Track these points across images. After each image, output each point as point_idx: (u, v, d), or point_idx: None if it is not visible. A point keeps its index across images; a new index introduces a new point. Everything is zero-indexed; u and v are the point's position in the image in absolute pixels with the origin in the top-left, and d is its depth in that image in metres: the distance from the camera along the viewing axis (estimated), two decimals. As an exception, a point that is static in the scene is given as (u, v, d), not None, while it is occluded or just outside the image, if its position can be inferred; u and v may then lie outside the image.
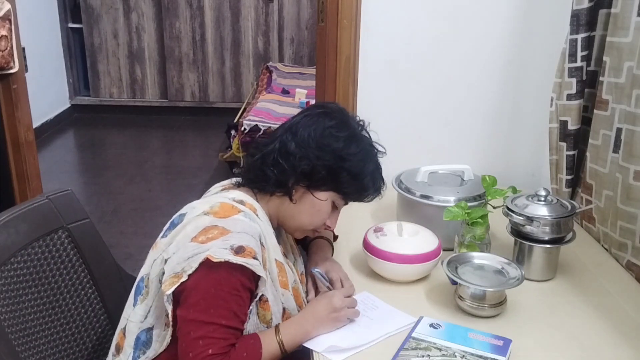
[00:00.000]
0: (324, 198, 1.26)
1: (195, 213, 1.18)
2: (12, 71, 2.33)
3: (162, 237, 1.23)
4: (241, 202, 1.22)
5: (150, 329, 1.20)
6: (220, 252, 1.10)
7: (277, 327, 1.20)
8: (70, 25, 5.53)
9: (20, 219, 1.26)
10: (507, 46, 1.99)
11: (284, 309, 1.25)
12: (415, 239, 1.46)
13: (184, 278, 1.10)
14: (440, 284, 1.42)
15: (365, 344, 1.21)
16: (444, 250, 1.46)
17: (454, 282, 1.32)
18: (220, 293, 1.11)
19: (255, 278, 1.15)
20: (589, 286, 1.45)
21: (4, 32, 2.24)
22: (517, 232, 1.47)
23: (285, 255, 1.33)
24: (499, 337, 1.21)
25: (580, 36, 1.63)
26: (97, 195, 3.96)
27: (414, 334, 1.22)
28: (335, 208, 1.30)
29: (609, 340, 1.24)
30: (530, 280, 1.44)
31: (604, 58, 1.55)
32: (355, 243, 1.52)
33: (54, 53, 5.33)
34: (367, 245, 1.45)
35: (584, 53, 1.64)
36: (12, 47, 2.29)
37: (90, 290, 1.39)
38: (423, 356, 1.15)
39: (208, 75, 5.55)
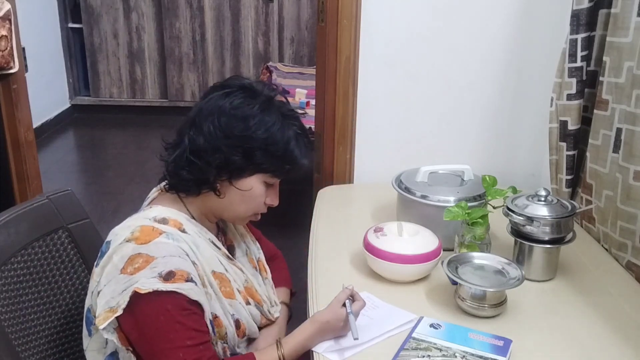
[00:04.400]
0: (248, 186, 1.19)
1: (118, 241, 1.13)
2: (12, 71, 2.33)
3: (96, 266, 1.17)
4: (163, 221, 1.15)
5: (115, 353, 1.17)
6: (148, 282, 1.06)
7: (279, 342, 1.19)
8: (70, 25, 5.53)
9: (20, 219, 1.26)
10: (507, 46, 1.99)
11: (237, 320, 1.22)
12: (415, 239, 1.46)
13: (119, 312, 1.07)
14: (440, 284, 1.42)
15: (366, 342, 1.21)
16: (444, 250, 1.46)
17: (454, 282, 1.32)
18: (171, 318, 1.07)
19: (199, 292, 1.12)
20: (589, 286, 1.45)
21: (4, 32, 2.24)
22: (517, 232, 1.47)
23: (228, 256, 1.27)
24: (499, 337, 1.21)
25: (580, 36, 1.63)
26: (97, 195, 3.97)
27: (414, 334, 1.22)
28: (269, 185, 1.23)
29: (609, 340, 1.24)
30: (530, 280, 1.44)
31: (604, 58, 1.55)
32: (355, 243, 1.52)
33: (54, 53, 5.33)
34: (367, 245, 1.45)
35: (584, 53, 1.64)
36: (12, 47, 2.29)
37: (90, 290, 1.39)
38: (423, 356, 1.15)
39: (208, 75, 5.55)
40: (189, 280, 1.09)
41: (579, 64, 1.65)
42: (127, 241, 1.11)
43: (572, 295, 1.41)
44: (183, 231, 1.16)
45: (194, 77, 5.56)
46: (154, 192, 1.30)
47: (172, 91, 5.59)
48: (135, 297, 1.06)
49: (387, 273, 1.43)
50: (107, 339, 1.13)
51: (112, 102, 5.65)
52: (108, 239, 1.17)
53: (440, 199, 1.58)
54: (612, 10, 1.52)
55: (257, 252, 1.41)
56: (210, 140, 1.15)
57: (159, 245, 1.10)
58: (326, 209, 1.87)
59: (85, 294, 1.38)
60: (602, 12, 1.61)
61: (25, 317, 1.24)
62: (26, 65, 2.52)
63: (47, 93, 5.11)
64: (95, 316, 1.15)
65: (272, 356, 1.17)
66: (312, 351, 1.19)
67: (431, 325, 1.25)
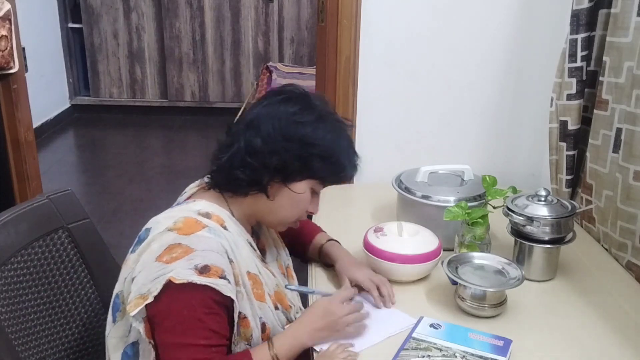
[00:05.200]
0: (302, 190, 1.21)
1: (159, 229, 1.13)
2: (12, 71, 2.33)
3: (131, 252, 1.18)
4: (207, 215, 1.16)
5: (136, 343, 1.16)
6: (183, 272, 1.06)
7: (270, 340, 1.16)
8: (70, 25, 5.53)
9: (20, 219, 1.26)
10: (507, 46, 1.99)
11: (263, 323, 1.21)
12: (415, 239, 1.46)
13: (150, 299, 1.06)
14: (440, 284, 1.42)
15: (366, 343, 1.21)
16: (444, 250, 1.46)
17: (454, 282, 1.32)
18: (194, 314, 1.06)
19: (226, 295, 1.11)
20: (589, 286, 1.45)
21: (4, 32, 2.24)
22: (517, 232, 1.47)
23: (262, 259, 1.28)
24: (499, 337, 1.21)
25: (580, 36, 1.63)
26: (97, 195, 3.96)
27: (414, 334, 1.22)
28: (314, 193, 1.26)
29: (609, 340, 1.24)
30: (530, 280, 1.44)
31: (604, 58, 1.55)
32: (355, 243, 1.52)
33: (54, 53, 5.33)
34: (367, 245, 1.45)
35: (584, 53, 1.64)
36: (12, 47, 2.29)
37: (90, 291, 1.39)
38: (423, 356, 1.15)
39: (208, 75, 5.55)
40: (223, 277, 1.09)
41: (579, 64, 1.65)
42: (168, 230, 1.12)
43: (572, 295, 1.41)
44: (225, 228, 1.18)
45: (194, 77, 5.56)
46: (192, 188, 1.31)
47: (172, 91, 5.59)
48: (167, 286, 1.06)
49: (387, 273, 1.43)
50: (130, 328, 1.14)
51: (112, 102, 5.64)
52: (148, 226, 1.18)
53: (440, 199, 1.58)
54: (612, 10, 1.52)
55: (287, 258, 1.42)
56: (268, 142, 1.17)
57: (201, 238, 1.11)
58: (326, 209, 1.86)
59: (85, 294, 1.38)
60: (602, 12, 1.61)
61: (25, 317, 1.24)
62: (26, 65, 2.52)
63: (47, 93, 5.11)
64: (123, 302, 1.16)
65: (264, 351, 1.15)
66: (313, 352, 1.19)
67: (431, 325, 1.25)
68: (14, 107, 2.40)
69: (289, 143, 1.17)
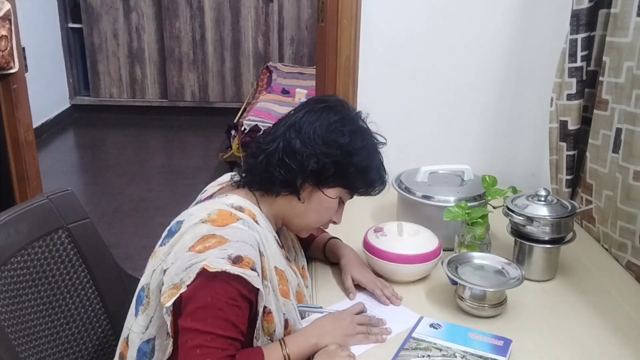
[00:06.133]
0: (333, 195, 1.24)
1: (193, 221, 1.15)
2: (12, 71, 2.33)
3: (161, 245, 1.20)
4: (240, 209, 1.19)
5: (152, 340, 1.17)
6: (217, 261, 1.07)
7: (282, 340, 1.16)
8: (70, 25, 5.53)
9: (20, 219, 1.26)
10: (507, 46, 1.99)
11: (286, 320, 1.22)
12: (415, 239, 1.46)
13: (183, 289, 1.07)
14: (440, 284, 1.42)
15: (370, 343, 1.21)
16: (444, 250, 1.46)
17: (454, 282, 1.32)
18: (217, 303, 1.07)
19: (254, 289, 1.11)
20: (589, 286, 1.45)
21: (4, 32, 2.24)
22: (517, 232, 1.47)
23: (287, 257, 1.31)
24: (499, 337, 1.21)
25: (580, 36, 1.63)
26: (97, 195, 3.96)
27: (414, 334, 1.22)
28: (341, 203, 1.29)
29: (609, 340, 1.24)
30: (530, 280, 1.44)
31: (604, 58, 1.55)
32: (356, 243, 1.52)
33: (54, 53, 5.33)
34: (367, 245, 1.45)
35: (584, 53, 1.64)
36: (12, 47, 2.29)
37: (90, 290, 1.39)
38: (423, 356, 1.15)
39: (208, 75, 5.55)
40: (253, 269, 1.10)
41: (579, 64, 1.65)
42: (202, 222, 1.14)
43: (572, 295, 1.41)
44: (256, 222, 1.19)
45: (194, 77, 5.56)
46: (213, 186, 1.33)
47: (172, 91, 5.59)
48: (200, 274, 1.07)
49: (387, 273, 1.43)
50: (148, 324, 1.16)
51: (112, 102, 5.65)
52: (180, 218, 1.20)
53: (440, 199, 1.58)
54: (612, 10, 1.52)
55: (303, 260, 1.44)
56: (308, 145, 1.20)
57: (235, 230, 1.13)
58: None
59: (85, 294, 1.38)
60: (602, 12, 1.61)
61: (25, 317, 1.24)
62: (26, 65, 2.52)
63: (47, 93, 5.11)
64: (147, 296, 1.18)
65: (276, 350, 1.15)
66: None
67: (431, 325, 1.25)
68: (14, 107, 2.40)
69: (328, 148, 1.20)
